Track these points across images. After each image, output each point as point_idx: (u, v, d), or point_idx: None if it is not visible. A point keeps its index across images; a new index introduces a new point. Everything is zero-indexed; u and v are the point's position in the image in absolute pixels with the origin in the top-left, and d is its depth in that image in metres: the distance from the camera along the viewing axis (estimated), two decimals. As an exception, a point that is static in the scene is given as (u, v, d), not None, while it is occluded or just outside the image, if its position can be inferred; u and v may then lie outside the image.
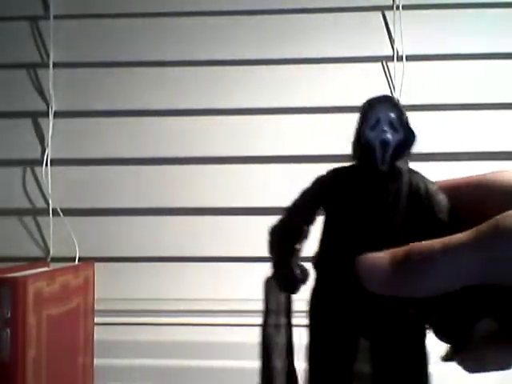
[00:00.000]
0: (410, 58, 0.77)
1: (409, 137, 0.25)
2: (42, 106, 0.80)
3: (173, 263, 0.79)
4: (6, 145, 0.80)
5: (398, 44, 0.77)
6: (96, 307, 0.75)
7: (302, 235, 0.27)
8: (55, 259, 0.78)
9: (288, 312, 0.28)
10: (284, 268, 0.26)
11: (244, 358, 0.75)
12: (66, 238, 0.78)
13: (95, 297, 0.74)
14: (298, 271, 0.26)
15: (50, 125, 0.79)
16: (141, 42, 0.80)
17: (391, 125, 0.25)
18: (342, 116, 0.77)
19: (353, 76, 0.78)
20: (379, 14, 0.78)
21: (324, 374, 0.26)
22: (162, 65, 0.80)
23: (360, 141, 0.25)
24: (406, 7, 0.77)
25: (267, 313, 0.27)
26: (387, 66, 0.78)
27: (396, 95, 0.77)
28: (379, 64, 0.78)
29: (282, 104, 0.78)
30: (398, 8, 0.77)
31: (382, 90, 0.77)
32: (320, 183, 0.27)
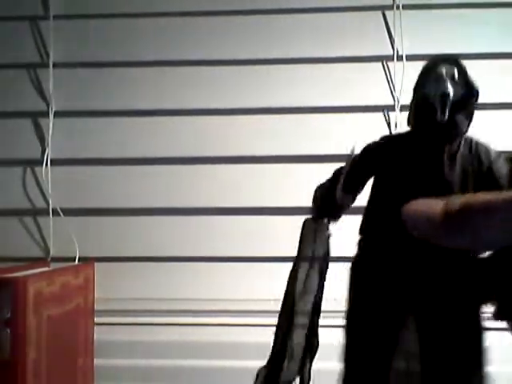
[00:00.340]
0: (409, 57, 0.77)
1: (469, 92, 0.25)
2: (42, 106, 0.80)
3: (172, 263, 0.79)
4: (6, 145, 0.80)
5: (398, 44, 0.77)
6: (96, 307, 0.75)
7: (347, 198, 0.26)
8: (55, 259, 0.78)
9: (324, 254, 0.27)
10: (328, 193, 0.27)
11: (246, 359, 0.75)
12: (66, 238, 0.78)
13: (95, 297, 0.74)
14: (340, 194, 0.26)
15: (50, 125, 0.79)
16: (141, 42, 0.80)
17: (452, 79, 0.25)
18: (343, 116, 0.77)
19: (353, 76, 0.78)
20: (379, 14, 0.78)
21: (367, 351, 0.25)
22: (165, 64, 0.80)
23: (419, 96, 0.25)
24: (405, 7, 0.77)
25: (301, 254, 0.27)
26: (387, 66, 0.78)
27: (396, 95, 0.77)
28: (379, 64, 0.78)
29: (282, 104, 0.78)
30: (398, 8, 0.77)
31: (382, 89, 0.77)
32: (370, 150, 0.26)
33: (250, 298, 0.78)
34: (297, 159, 0.78)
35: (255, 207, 0.78)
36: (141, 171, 0.79)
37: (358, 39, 0.78)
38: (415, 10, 0.77)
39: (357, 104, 0.77)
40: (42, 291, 0.58)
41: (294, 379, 0.26)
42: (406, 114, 0.77)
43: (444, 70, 0.24)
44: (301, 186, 0.78)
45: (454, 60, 0.25)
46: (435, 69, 0.25)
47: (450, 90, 0.24)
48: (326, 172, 0.78)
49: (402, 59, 0.76)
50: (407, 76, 0.76)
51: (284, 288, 0.27)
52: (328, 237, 0.27)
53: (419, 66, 0.77)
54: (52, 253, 0.79)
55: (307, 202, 0.76)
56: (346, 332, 0.25)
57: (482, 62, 0.77)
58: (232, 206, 0.78)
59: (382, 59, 0.78)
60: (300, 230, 0.27)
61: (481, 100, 0.76)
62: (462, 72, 0.25)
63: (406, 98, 0.76)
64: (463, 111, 0.24)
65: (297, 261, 0.27)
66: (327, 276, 0.27)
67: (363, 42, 0.78)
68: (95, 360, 0.74)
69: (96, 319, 0.75)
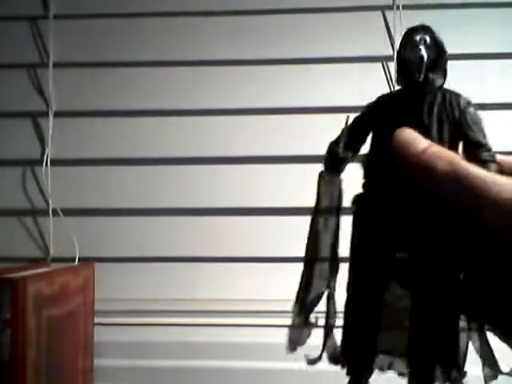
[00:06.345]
0: (410, 57, 0.77)
1: (440, 54, 0.30)
2: (42, 106, 0.80)
3: (172, 263, 0.79)
4: (6, 145, 0.80)
5: (397, 44, 0.77)
6: (96, 307, 0.75)
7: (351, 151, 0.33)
8: (55, 259, 0.78)
9: (338, 202, 0.33)
10: (333, 150, 0.34)
11: (246, 359, 0.75)
12: (66, 238, 0.78)
13: (95, 297, 0.74)
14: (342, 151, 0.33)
15: (49, 125, 0.79)
16: (141, 42, 0.80)
17: (426, 45, 0.30)
18: (342, 116, 0.77)
19: (353, 76, 0.78)
20: (379, 14, 0.78)
21: (363, 288, 0.29)
22: (166, 64, 0.80)
23: (400, 61, 0.31)
24: (405, 7, 0.77)
25: (318, 204, 0.33)
26: (387, 66, 0.78)
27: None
28: (379, 64, 0.78)
29: (275, 104, 0.78)
30: (398, 8, 0.77)
31: (382, 89, 0.77)
32: (366, 108, 0.34)
33: (249, 298, 0.78)
34: (295, 159, 0.78)
35: (255, 207, 0.78)
36: (141, 171, 0.79)
37: (357, 39, 0.78)
38: (415, 9, 0.77)
39: (356, 104, 0.77)
40: (41, 291, 0.58)
41: (322, 293, 0.32)
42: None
43: (418, 38, 0.30)
44: (301, 185, 0.78)
45: (426, 29, 0.30)
46: (412, 37, 0.30)
47: (424, 54, 0.29)
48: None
49: (402, 59, 0.76)
50: (407, 76, 0.76)
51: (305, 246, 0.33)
52: (339, 186, 0.33)
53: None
54: (52, 253, 0.79)
55: (307, 202, 0.77)
56: (350, 264, 0.30)
57: (484, 62, 0.77)
58: (232, 207, 0.78)
59: (382, 59, 0.78)
60: (316, 182, 0.34)
61: (481, 100, 0.76)
62: (433, 37, 0.30)
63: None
64: (437, 70, 0.30)
65: (315, 210, 0.33)
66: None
67: (363, 42, 0.78)
68: (95, 360, 0.74)
69: (96, 319, 0.75)
